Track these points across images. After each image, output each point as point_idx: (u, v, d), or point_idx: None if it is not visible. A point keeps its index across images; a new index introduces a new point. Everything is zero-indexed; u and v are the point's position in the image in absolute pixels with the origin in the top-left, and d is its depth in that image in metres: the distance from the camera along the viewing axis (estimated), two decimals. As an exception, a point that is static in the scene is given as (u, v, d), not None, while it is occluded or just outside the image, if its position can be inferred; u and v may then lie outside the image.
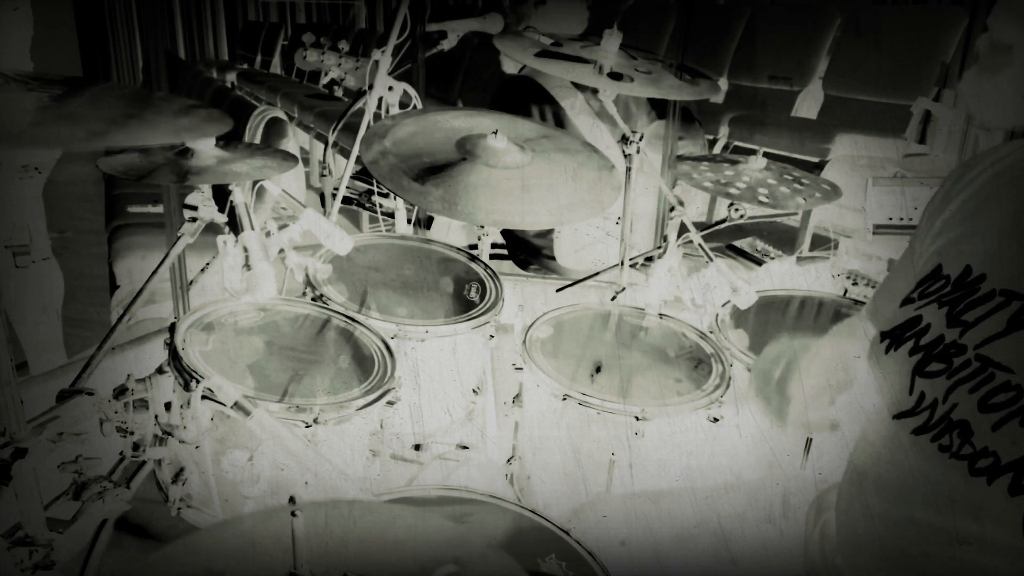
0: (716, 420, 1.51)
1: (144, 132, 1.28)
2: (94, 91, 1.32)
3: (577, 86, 2.88)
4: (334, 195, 2.31)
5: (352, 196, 3.01)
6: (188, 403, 1.33)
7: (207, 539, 0.98)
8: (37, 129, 1.11)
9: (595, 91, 2.62)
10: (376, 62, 2.24)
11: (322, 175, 2.70)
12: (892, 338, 0.94)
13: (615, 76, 1.76)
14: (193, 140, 1.59)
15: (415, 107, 2.37)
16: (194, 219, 1.69)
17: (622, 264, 1.95)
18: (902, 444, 0.90)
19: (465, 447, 1.78)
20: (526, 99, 2.87)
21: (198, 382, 1.33)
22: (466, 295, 1.82)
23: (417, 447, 1.70)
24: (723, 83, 4.09)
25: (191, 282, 2.29)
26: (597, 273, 2.50)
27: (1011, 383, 0.80)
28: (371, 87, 2.25)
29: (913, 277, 0.97)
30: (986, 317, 0.84)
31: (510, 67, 3.22)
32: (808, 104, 3.88)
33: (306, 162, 4.35)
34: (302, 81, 5.66)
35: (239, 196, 1.64)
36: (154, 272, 1.75)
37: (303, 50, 3.75)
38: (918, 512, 0.87)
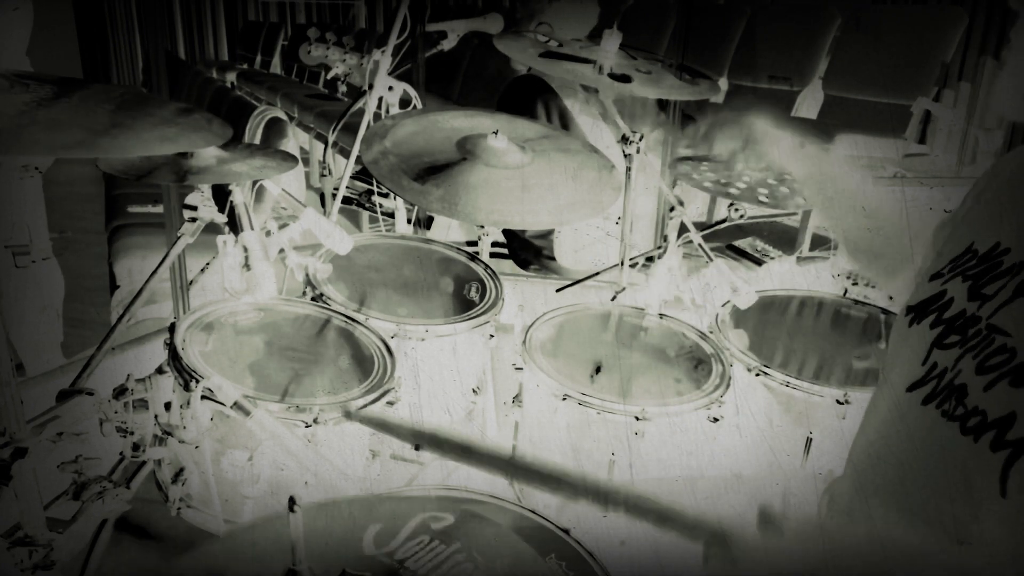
0: (716, 420, 1.51)
1: (131, 143, 1.24)
2: (84, 94, 1.29)
3: (579, 85, 2.89)
4: (334, 195, 2.31)
5: (352, 196, 3.00)
6: (188, 403, 1.33)
7: (207, 539, 0.98)
8: (18, 133, 1.08)
9: (596, 91, 2.62)
10: (376, 62, 2.24)
11: (322, 175, 2.70)
12: (916, 312, 0.95)
13: (619, 78, 1.76)
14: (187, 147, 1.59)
15: (415, 107, 2.37)
16: (194, 219, 1.69)
17: (622, 264, 1.95)
18: (911, 415, 0.91)
19: (465, 447, 1.78)
20: (533, 97, 2.88)
21: (198, 382, 1.33)
22: (466, 295, 1.82)
23: (417, 447, 1.70)
24: (723, 83, 4.09)
25: (191, 282, 2.29)
26: (597, 273, 2.50)
27: (1007, 345, 0.81)
28: (371, 87, 2.25)
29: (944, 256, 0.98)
30: (1002, 289, 0.85)
31: (521, 68, 3.21)
32: (808, 104, 3.88)
33: (306, 162, 4.35)
34: (302, 81, 5.66)
35: (239, 196, 1.64)
36: (154, 272, 1.75)
37: (307, 44, 3.74)
38: (921, 490, 0.87)
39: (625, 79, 1.75)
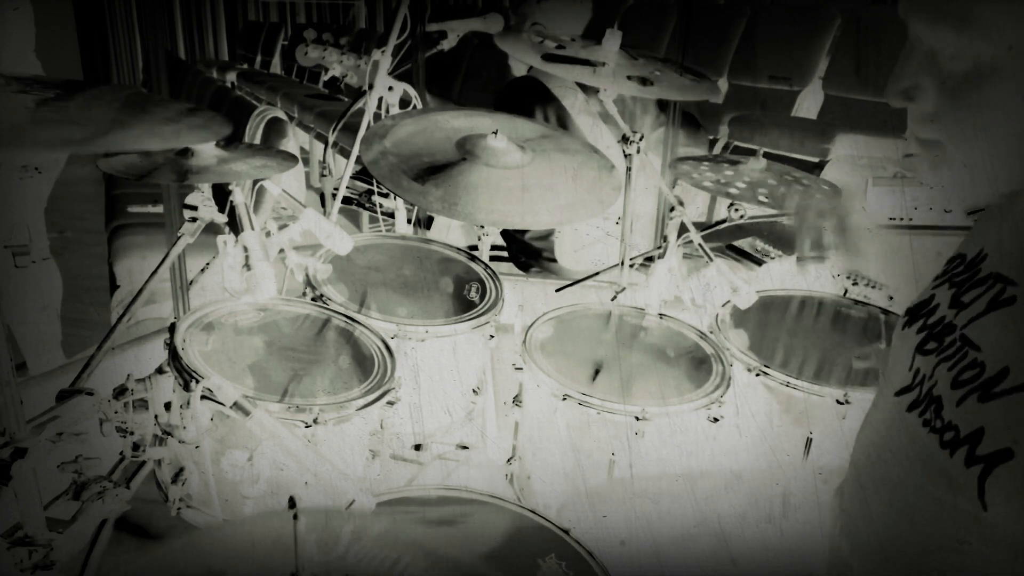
0: (716, 420, 1.51)
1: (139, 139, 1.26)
2: (89, 95, 1.30)
3: (579, 85, 2.88)
4: (334, 195, 2.31)
5: (352, 196, 3.00)
6: (188, 403, 1.33)
7: (207, 539, 0.98)
8: (31, 130, 1.09)
9: (596, 91, 2.62)
10: (376, 62, 2.24)
11: (322, 175, 2.70)
12: (911, 315, 0.96)
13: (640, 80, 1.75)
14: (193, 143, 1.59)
15: (415, 107, 2.37)
16: (194, 219, 1.69)
17: (622, 264, 1.95)
18: (898, 420, 0.92)
19: (465, 447, 1.78)
20: (530, 100, 2.88)
21: (198, 382, 1.33)
22: (466, 295, 1.82)
23: (417, 447, 1.70)
24: (723, 83, 4.09)
25: (191, 282, 2.29)
26: (597, 273, 2.50)
27: (977, 360, 0.82)
28: (371, 87, 2.25)
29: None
30: (978, 299, 0.86)
31: (519, 69, 3.22)
32: (808, 104, 3.88)
33: (306, 162, 4.36)
34: (302, 81, 5.67)
35: (239, 196, 1.64)
36: (154, 272, 1.75)
37: (304, 46, 3.74)
38: (914, 493, 0.88)
39: (645, 82, 1.74)
